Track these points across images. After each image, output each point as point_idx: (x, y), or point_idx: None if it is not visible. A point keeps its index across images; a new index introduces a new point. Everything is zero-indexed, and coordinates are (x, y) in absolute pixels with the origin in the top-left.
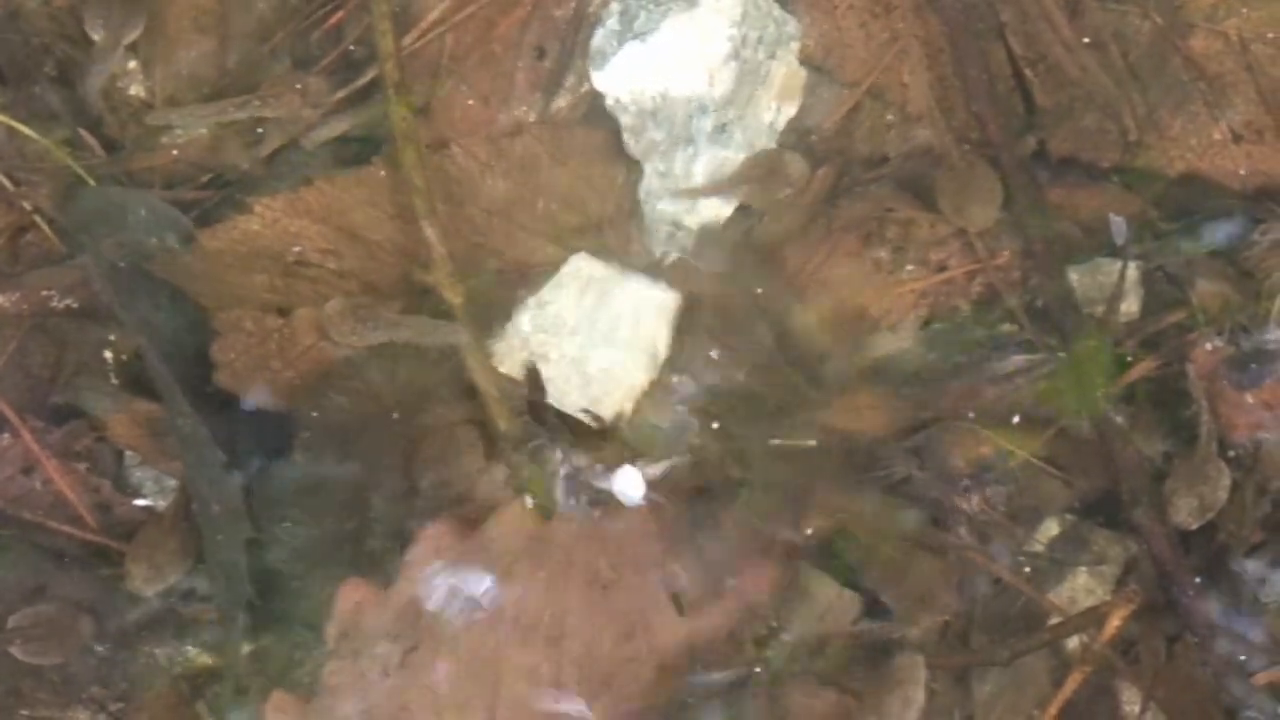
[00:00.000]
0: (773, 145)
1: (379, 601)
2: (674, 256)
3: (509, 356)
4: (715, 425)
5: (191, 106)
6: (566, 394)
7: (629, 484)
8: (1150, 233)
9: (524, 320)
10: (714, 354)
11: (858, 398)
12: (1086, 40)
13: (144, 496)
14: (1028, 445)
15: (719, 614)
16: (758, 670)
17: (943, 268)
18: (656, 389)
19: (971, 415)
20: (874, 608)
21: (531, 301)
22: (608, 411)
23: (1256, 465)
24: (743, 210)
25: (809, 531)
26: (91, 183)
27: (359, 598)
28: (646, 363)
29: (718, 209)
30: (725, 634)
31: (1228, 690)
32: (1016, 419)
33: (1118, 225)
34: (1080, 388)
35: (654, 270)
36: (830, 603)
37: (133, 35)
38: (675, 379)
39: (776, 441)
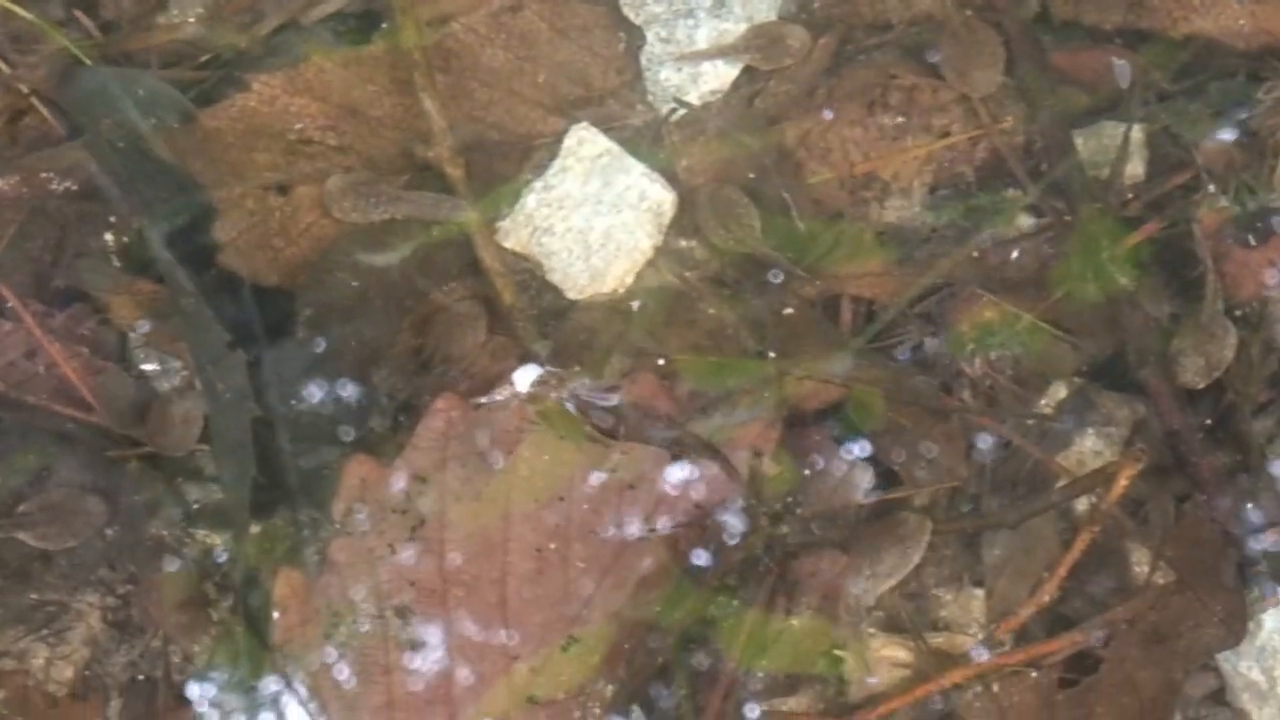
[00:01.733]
0: (773, 18)
1: (384, 477)
2: (680, 113)
3: (514, 232)
4: (727, 293)
5: None
6: (570, 266)
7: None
8: (1155, 94)
9: (530, 200)
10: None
11: (867, 265)
12: None
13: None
14: (1034, 309)
15: (721, 468)
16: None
17: (946, 133)
18: (661, 256)
19: (978, 280)
20: (885, 478)
21: (538, 184)
22: (611, 283)
23: (1263, 323)
24: (746, 79)
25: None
26: (89, 64)
27: (364, 474)
28: (651, 225)
29: (720, 78)
30: (727, 495)
31: (1236, 548)
32: (1023, 283)
33: (1121, 69)
34: (1086, 251)
35: (659, 128)
36: (842, 475)
37: None
38: (683, 244)
39: (789, 311)
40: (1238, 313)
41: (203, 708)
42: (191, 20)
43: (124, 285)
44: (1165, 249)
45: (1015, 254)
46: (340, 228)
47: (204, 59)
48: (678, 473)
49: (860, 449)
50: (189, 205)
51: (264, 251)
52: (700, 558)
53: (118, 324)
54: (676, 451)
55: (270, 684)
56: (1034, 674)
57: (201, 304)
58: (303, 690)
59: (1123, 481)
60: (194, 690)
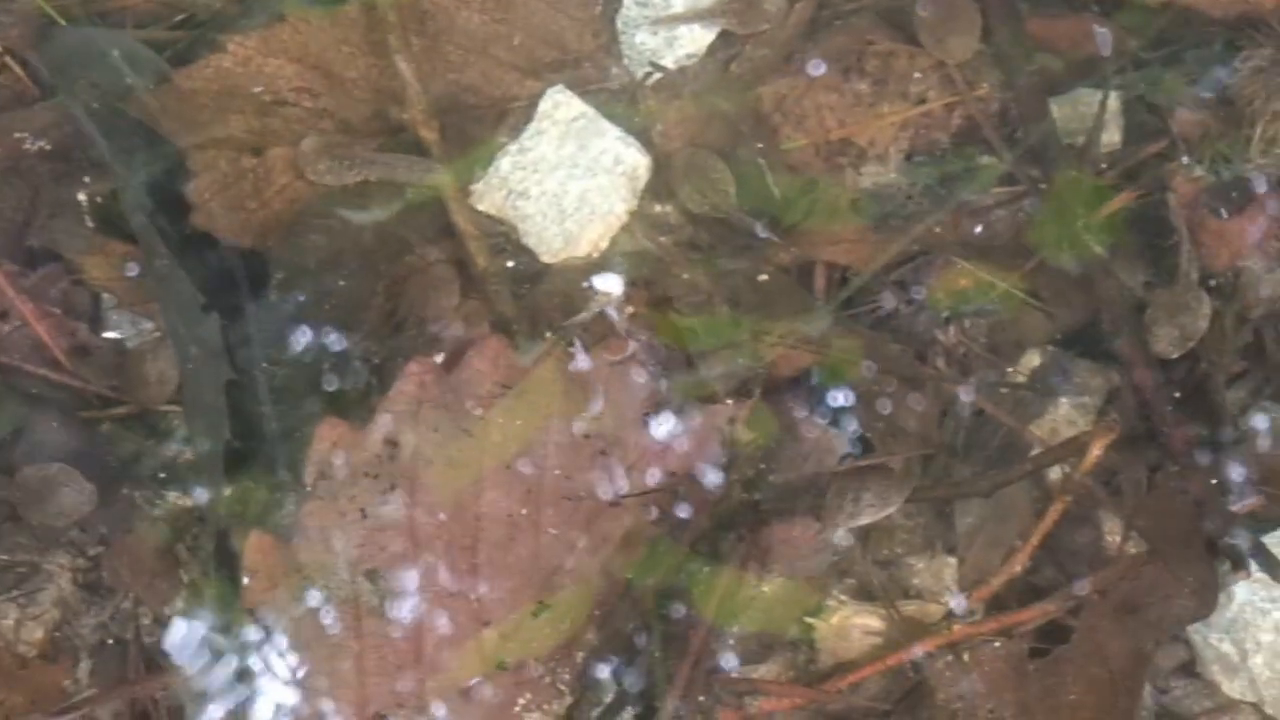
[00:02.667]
0: None
1: (357, 440)
2: (656, 76)
3: (488, 195)
4: (701, 258)
5: None
6: (545, 230)
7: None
8: (1131, 62)
9: (505, 163)
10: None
11: (843, 230)
12: None
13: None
14: (1009, 277)
15: (693, 436)
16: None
17: (923, 100)
18: (636, 220)
19: (953, 248)
20: (861, 444)
21: (513, 147)
22: (585, 246)
23: (1237, 293)
24: (722, 43)
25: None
26: (63, 23)
27: (336, 437)
28: (626, 189)
29: (696, 42)
30: (700, 458)
31: (1208, 518)
32: (998, 251)
33: (1103, 37)
34: (1061, 219)
35: (634, 91)
36: (816, 442)
37: None
38: (657, 208)
39: (764, 277)
40: (1212, 282)
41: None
42: None
43: (98, 245)
44: (1141, 217)
45: (991, 221)
46: (314, 189)
47: (179, 19)
48: (659, 427)
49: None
50: (163, 166)
51: (237, 213)
52: (680, 513)
53: (91, 284)
54: (649, 419)
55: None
56: (1005, 643)
57: (175, 265)
58: (275, 647)
59: (1095, 452)
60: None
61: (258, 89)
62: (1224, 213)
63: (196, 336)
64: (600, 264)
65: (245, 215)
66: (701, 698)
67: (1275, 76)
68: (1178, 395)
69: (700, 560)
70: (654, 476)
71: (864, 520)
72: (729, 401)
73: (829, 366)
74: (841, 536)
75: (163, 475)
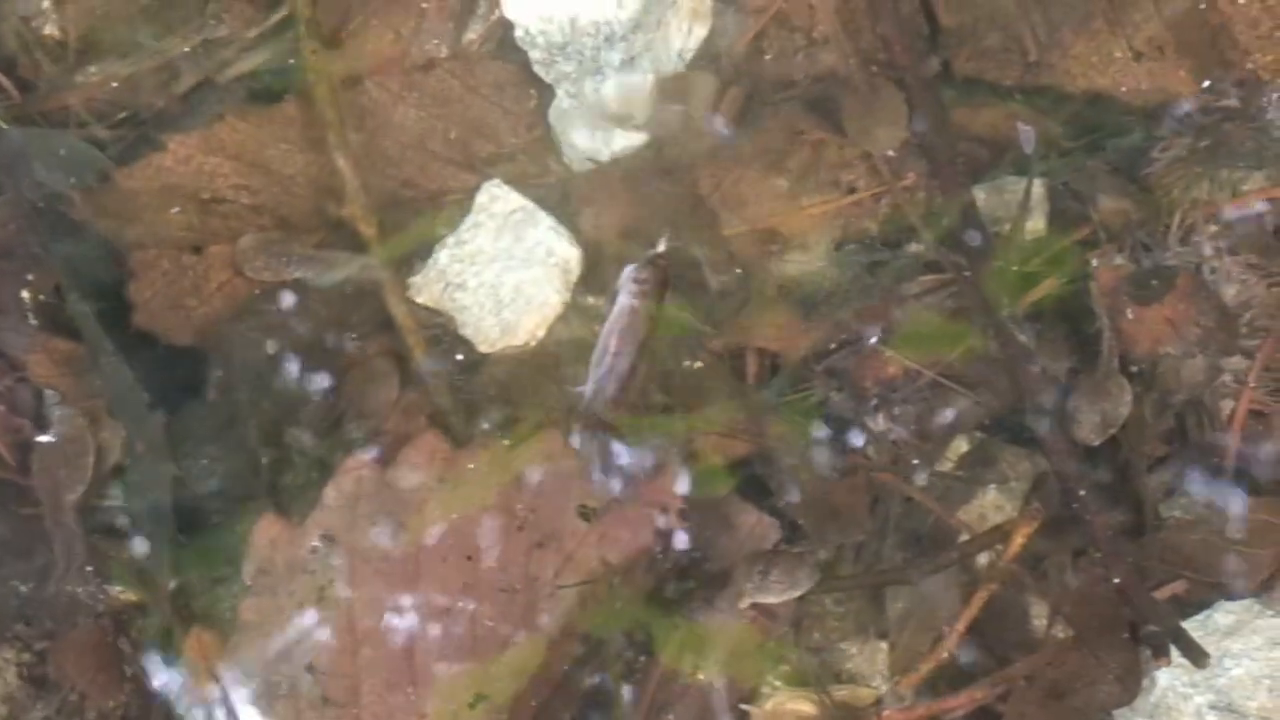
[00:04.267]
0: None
1: (294, 537)
2: (589, 168)
3: (426, 288)
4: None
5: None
6: (482, 320)
7: None
8: (1055, 150)
9: (442, 256)
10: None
11: (774, 319)
12: None
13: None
14: (936, 364)
15: (628, 526)
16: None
17: (851, 189)
18: (571, 310)
19: (881, 335)
20: (792, 532)
21: (450, 240)
22: (522, 336)
23: (1158, 380)
24: (656, 134)
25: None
26: (4, 126)
27: (275, 533)
28: (559, 280)
29: (629, 138)
30: (636, 550)
31: (1130, 604)
32: (925, 338)
33: (1025, 134)
34: (986, 307)
35: (569, 185)
36: (750, 529)
37: None
38: (590, 300)
39: (697, 365)
40: (1134, 369)
41: None
42: (109, 79)
43: (41, 343)
44: (1065, 304)
45: (917, 309)
46: (253, 286)
47: (121, 117)
48: (595, 518)
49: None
50: (106, 265)
51: (177, 311)
52: (616, 603)
53: (35, 381)
54: (584, 510)
55: None
56: None
57: (121, 364)
58: None
59: (1019, 540)
60: None
61: (197, 187)
62: (1145, 300)
63: (141, 434)
64: (538, 351)
65: (185, 314)
66: None
67: (1193, 166)
68: (1101, 481)
69: (635, 650)
70: (590, 567)
71: (771, 599)
72: (662, 492)
73: (761, 453)
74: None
75: (108, 570)
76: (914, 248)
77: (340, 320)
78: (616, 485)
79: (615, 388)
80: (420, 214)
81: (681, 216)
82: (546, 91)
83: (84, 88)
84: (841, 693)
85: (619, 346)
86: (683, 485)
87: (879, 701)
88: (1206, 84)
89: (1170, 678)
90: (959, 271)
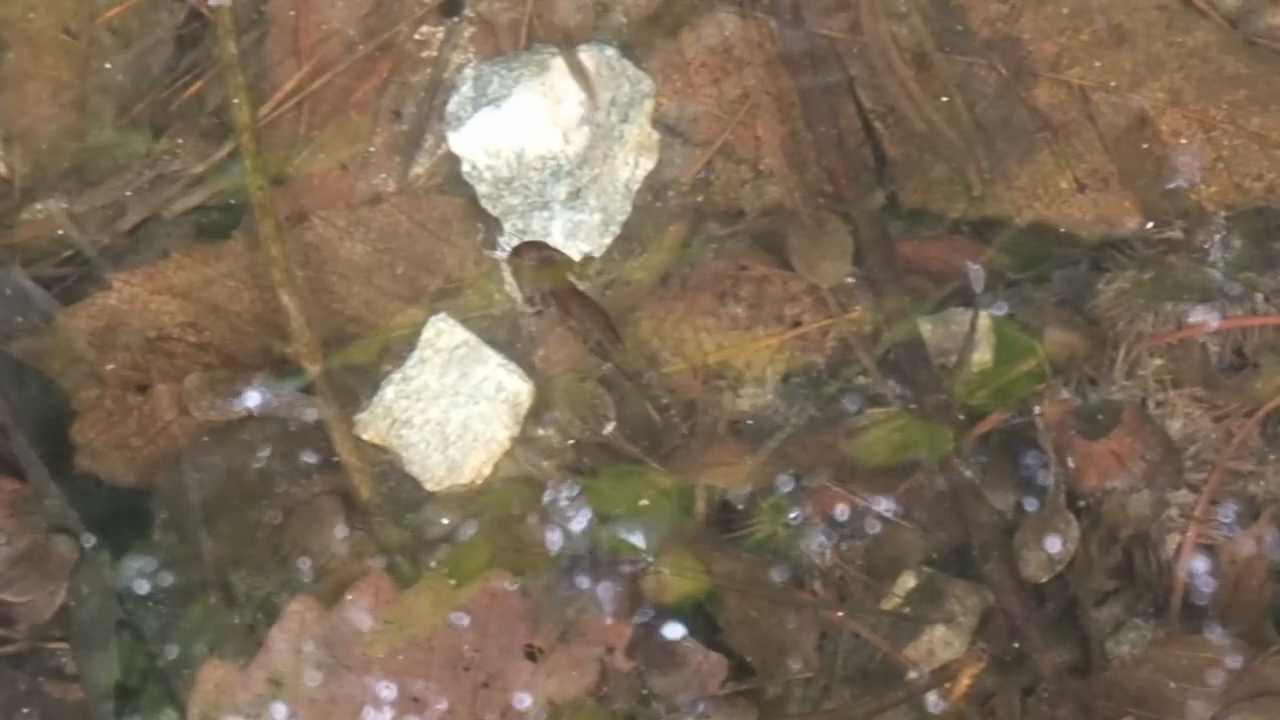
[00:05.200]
0: (627, 208)
1: (240, 681)
2: (535, 308)
3: (372, 425)
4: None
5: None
6: (428, 458)
7: None
8: (1001, 282)
9: (389, 392)
10: (572, 417)
11: (720, 453)
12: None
13: None
14: (883, 499)
15: (575, 666)
16: None
17: (797, 323)
18: (519, 445)
19: (829, 470)
20: (740, 668)
21: (396, 376)
22: (469, 474)
23: (1105, 515)
24: (601, 266)
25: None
26: None
27: (219, 678)
28: (508, 415)
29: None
30: (583, 689)
31: None
32: (873, 472)
33: (975, 274)
34: (932, 441)
35: (516, 318)
36: (698, 666)
37: None
38: (540, 432)
39: (644, 502)
40: (1080, 504)
41: None
42: (55, 216)
43: None
44: (1011, 437)
45: (864, 442)
46: (199, 425)
47: (66, 254)
48: (540, 657)
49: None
50: (51, 404)
51: (122, 451)
52: None
53: None
54: (531, 650)
55: None
56: None
57: (65, 506)
58: None
59: (965, 680)
60: None
61: (143, 325)
62: (1091, 435)
63: (86, 577)
64: (484, 489)
65: (130, 454)
66: None
67: (1138, 299)
68: (1049, 618)
69: None
70: (536, 705)
71: None
72: (608, 632)
73: (709, 591)
74: None
75: (52, 713)
76: (861, 380)
77: (286, 458)
78: (562, 621)
79: None
80: (366, 350)
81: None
82: (493, 225)
83: (29, 225)
84: None
85: None
86: (630, 623)
87: None
88: (1150, 216)
89: None
90: (905, 405)
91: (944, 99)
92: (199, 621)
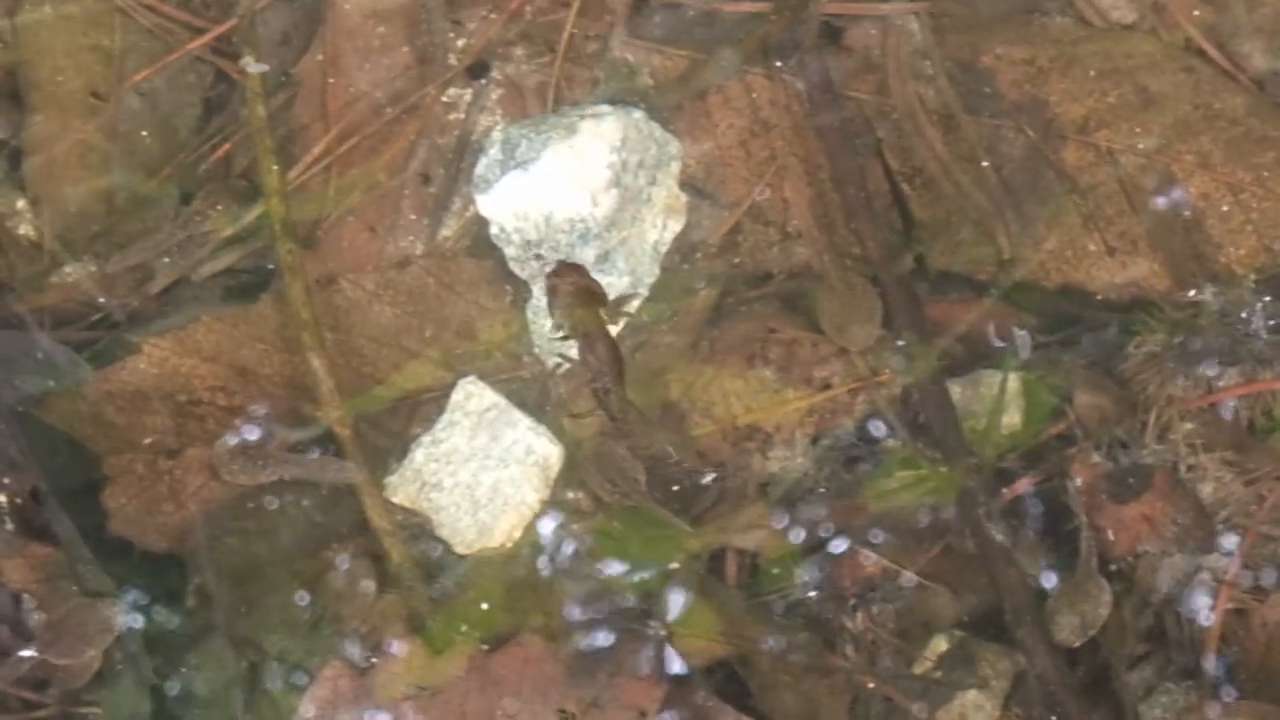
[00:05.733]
0: (655, 270)
1: None
2: (565, 367)
3: (402, 488)
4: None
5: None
6: (458, 521)
7: None
8: (1030, 344)
9: (419, 455)
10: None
11: (750, 516)
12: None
13: None
14: (915, 563)
15: None
16: None
17: (827, 386)
18: (548, 508)
19: (860, 533)
20: None
21: (426, 439)
22: (499, 537)
23: (1137, 580)
24: (629, 331)
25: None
26: None
27: None
28: (538, 479)
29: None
30: None
31: None
32: (904, 534)
33: (1022, 339)
34: (963, 505)
35: (546, 382)
36: None
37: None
38: (569, 495)
39: (674, 565)
40: (1112, 568)
41: None
42: (84, 279)
43: (18, 548)
44: (1042, 500)
45: (894, 505)
46: (229, 489)
47: (95, 318)
48: None
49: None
50: (83, 468)
51: (154, 516)
52: None
53: (11, 586)
54: (564, 714)
55: None
56: None
57: (99, 571)
58: None
59: None
60: None
61: (173, 389)
62: (1122, 499)
63: (119, 643)
64: (515, 551)
65: (162, 519)
66: None
67: (1168, 362)
68: (1081, 682)
69: None
70: None
71: None
72: (640, 695)
73: (740, 654)
74: None
75: None
76: (890, 443)
77: (317, 522)
78: (595, 686)
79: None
80: (396, 413)
81: (654, 418)
82: (522, 288)
83: (59, 289)
84: None
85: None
86: (662, 686)
87: None
88: (1179, 279)
89: None
90: (935, 468)
91: (972, 161)
92: (230, 686)
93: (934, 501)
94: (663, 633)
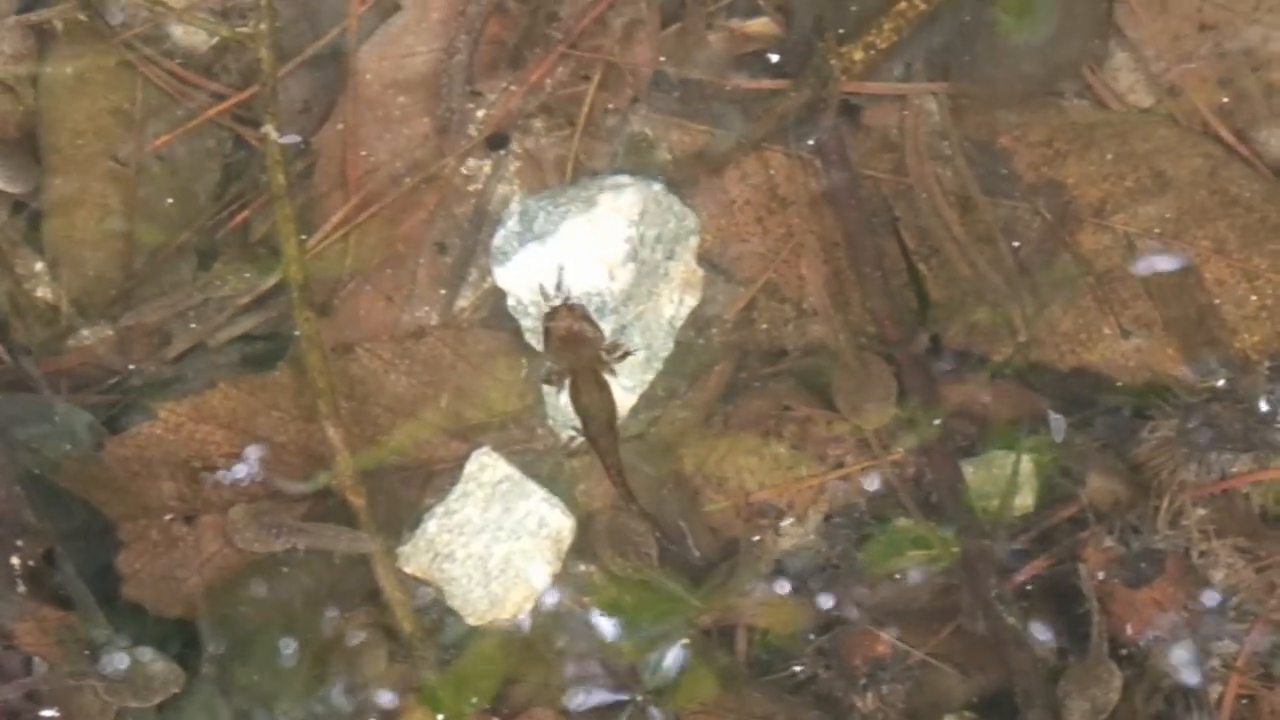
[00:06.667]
0: (670, 345)
1: None
2: (579, 441)
3: (414, 558)
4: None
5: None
6: (470, 592)
7: None
8: (1043, 427)
9: (431, 525)
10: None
11: (762, 593)
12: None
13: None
14: (925, 643)
15: None
16: None
17: (840, 464)
18: (560, 580)
19: (871, 612)
20: None
21: (439, 509)
22: (510, 609)
23: (1148, 664)
24: (644, 404)
25: None
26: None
27: None
28: (550, 551)
29: (619, 406)
30: None
31: None
32: (914, 615)
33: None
34: (974, 586)
35: (559, 452)
36: None
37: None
38: (581, 568)
39: (685, 641)
40: (1123, 652)
41: None
42: (101, 344)
43: (31, 611)
44: (1053, 583)
45: (905, 585)
46: (243, 557)
47: (112, 382)
48: None
49: None
50: (98, 533)
51: (168, 582)
52: None
53: (23, 649)
54: None
55: None
56: None
57: (113, 635)
58: None
59: None
60: None
61: (189, 456)
62: (1134, 584)
63: (136, 711)
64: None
65: (176, 585)
66: None
67: (1181, 448)
68: None
69: None
70: None
71: None
72: None
73: None
74: None
75: None
76: (902, 522)
77: (329, 591)
78: None
79: None
80: (409, 483)
81: (665, 492)
82: (537, 360)
83: (76, 352)
84: None
85: None
86: None
87: None
88: (1193, 364)
89: None
90: (947, 548)
91: (988, 242)
92: None
93: (945, 581)
94: (672, 711)
